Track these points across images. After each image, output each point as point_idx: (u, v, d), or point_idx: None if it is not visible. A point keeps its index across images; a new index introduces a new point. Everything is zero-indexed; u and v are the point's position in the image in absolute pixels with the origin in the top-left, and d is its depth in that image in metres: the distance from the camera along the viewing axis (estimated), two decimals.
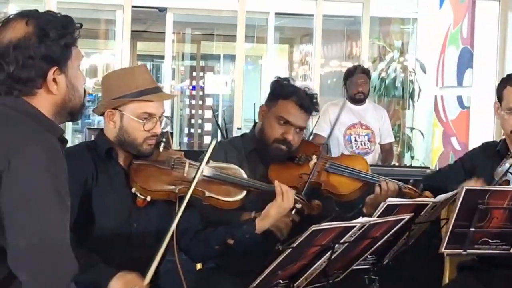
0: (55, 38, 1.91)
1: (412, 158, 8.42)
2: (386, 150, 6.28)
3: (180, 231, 2.69)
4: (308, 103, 3.14)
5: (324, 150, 3.32)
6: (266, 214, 2.82)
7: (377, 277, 2.85)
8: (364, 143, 6.06)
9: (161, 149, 2.82)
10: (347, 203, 3.19)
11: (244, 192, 2.88)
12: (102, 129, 2.83)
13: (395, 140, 7.64)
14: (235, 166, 2.96)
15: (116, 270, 2.55)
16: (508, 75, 3.29)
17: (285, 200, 2.82)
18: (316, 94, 3.25)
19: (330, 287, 2.67)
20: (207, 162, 2.82)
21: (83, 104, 2.06)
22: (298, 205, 2.93)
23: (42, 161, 1.83)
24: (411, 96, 8.60)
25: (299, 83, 3.33)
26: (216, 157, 2.93)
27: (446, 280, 3.39)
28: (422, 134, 8.54)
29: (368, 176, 3.16)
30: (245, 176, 2.93)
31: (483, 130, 7.28)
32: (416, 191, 3.10)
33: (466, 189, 2.69)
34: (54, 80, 1.94)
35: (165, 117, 2.80)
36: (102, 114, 2.79)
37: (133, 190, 2.71)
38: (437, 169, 5.29)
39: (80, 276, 2.40)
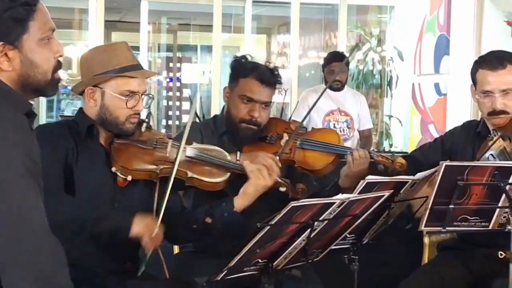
0: (0, 11, 1.82)
1: (391, 146, 8.44)
2: (365, 137, 6.31)
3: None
4: (269, 77, 3.10)
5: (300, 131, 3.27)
6: (244, 192, 2.80)
7: (356, 257, 2.83)
8: (343, 130, 6.08)
9: (143, 129, 2.78)
10: (322, 177, 3.17)
11: (228, 174, 2.84)
12: (81, 108, 2.77)
13: (374, 128, 7.66)
14: (219, 148, 2.92)
15: (133, 214, 2.56)
16: (479, 58, 3.25)
17: (260, 177, 2.78)
18: (278, 67, 3.21)
19: (310, 267, 2.64)
20: (190, 143, 2.78)
21: (52, 80, 1.94)
22: (282, 189, 2.89)
23: (12, 141, 1.76)
24: (389, 84, 8.63)
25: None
26: (192, 137, 2.90)
27: (425, 260, 3.38)
28: (400, 122, 8.56)
29: (340, 148, 3.15)
30: (228, 157, 2.89)
31: (460, 117, 7.26)
32: (388, 158, 3.10)
33: (446, 165, 2.67)
34: (6, 55, 1.85)
35: (147, 95, 2.76)
36: (82, 93, 2.72)
37: (114, 169, 2.67)
38: None
39: (98, 228, 2.52)
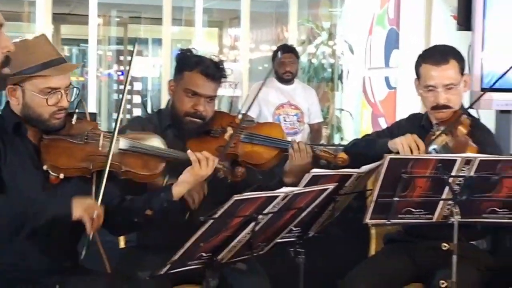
0: None
1: (342, 139, 8.48)
2: (315, 130, 6.34)
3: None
4: (213, 71, 3.08)
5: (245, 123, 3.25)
6: (183, 180, 2.75)
7: (303, 250, 2.83)
8: (293, 123, 6.10)
9: (73, 121, 2.71)
10: (269, 172, 3.16)
11: (163, 164, 2.81)
12: (8, 102, 2.68)
13: (325, 122, 7.69)
14: (154, 134, 2.88)
15: (70, 199, 2.51)
16: (423, 52, 3.27)
17: (203, 167, 2.74)
18: (223, 60, 3.21)
19: (255, 260, 2.63)
20: (124, 132, 2.74)
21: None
22: (220, 174, 2.86)
23: None
24: (340, 77, 8.67)
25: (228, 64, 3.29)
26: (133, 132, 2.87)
27: (372, 252, 3.40)
28: (351, 115, 8.61)
29: (282, 142, 3.12)
30: (163, 145, 2.85)
31: (410, 110, 7.23)
32: (330, 153, 3.08)
33: (390, 158, 2.68)
34: None
35: (74, 87, 2.69)
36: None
37: (45, 167, 2.61)
38: None
39: (40, 221, 2.48)
